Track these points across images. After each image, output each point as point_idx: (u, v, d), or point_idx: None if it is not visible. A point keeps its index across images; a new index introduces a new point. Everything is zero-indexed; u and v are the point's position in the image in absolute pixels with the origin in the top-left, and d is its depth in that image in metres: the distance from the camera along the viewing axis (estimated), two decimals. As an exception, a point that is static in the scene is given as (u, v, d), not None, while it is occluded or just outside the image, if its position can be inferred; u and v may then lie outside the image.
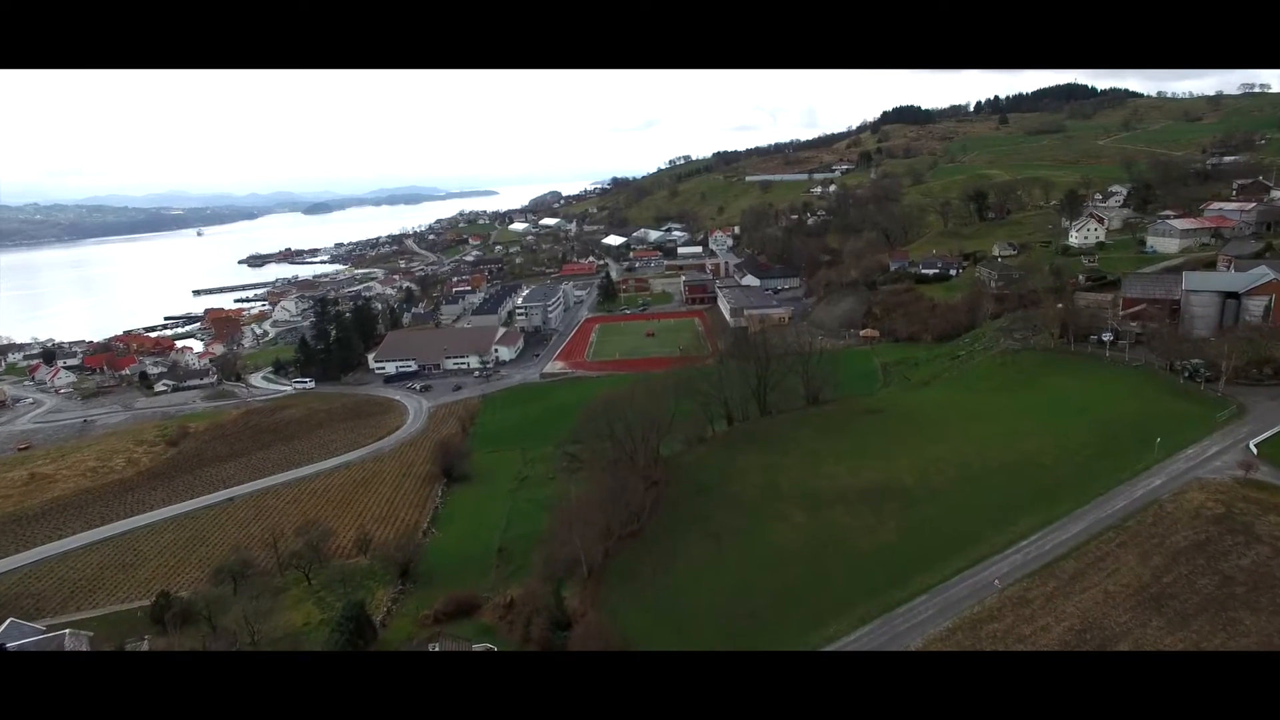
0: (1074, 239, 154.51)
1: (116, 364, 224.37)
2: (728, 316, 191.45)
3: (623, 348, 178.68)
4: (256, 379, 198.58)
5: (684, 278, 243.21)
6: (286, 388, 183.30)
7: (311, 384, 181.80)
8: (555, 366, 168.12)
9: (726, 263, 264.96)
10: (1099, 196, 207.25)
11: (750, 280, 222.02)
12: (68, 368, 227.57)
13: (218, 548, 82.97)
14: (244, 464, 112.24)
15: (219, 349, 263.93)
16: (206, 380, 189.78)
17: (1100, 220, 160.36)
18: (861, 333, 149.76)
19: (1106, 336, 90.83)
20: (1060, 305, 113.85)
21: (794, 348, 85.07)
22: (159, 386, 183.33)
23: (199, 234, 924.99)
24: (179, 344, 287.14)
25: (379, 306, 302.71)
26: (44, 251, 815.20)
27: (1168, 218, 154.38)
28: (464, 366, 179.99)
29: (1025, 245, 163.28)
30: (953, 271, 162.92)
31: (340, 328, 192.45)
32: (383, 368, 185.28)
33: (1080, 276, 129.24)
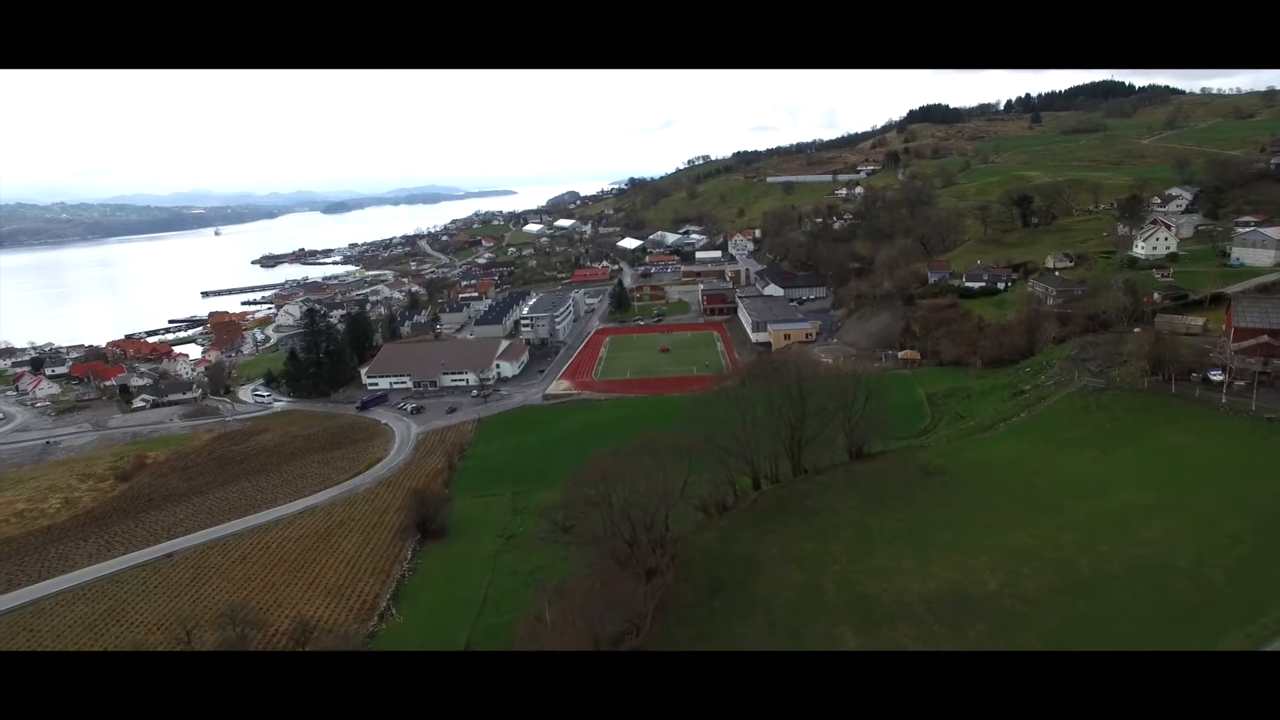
0: (1140, 249, 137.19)
1: (104, 373, 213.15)
2: (749, 331, 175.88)
3: (634, 365, 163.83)
4: (247, 392, 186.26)
5: (702, 286, 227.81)
6: (273, 404, 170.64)
7: (269, 401, 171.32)
8: (560, 386, 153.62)
9: (747, 269, 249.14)
10: (1157, 201, 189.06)
11: (773, 289, 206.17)
12: (53, 377, 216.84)
13: (133, 629, 69.24)
14: (199, 506, 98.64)
15: (215, 356, 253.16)
16: (189, 395, 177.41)
17: (1168, 228, 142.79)
18: (900, 354, 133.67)
19: (1215, 375, 74.53)
20: (1140, 331, 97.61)
21: (834, 387, 69.41)
22: (137, 402, 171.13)
23: (216, 233, 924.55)
24: (176, 350, 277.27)
25: (384, 311, 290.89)
26: (66, 250, 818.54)
27: (1249, 224, 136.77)
28: (463, 383, 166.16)
29: (1083, 256, 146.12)
30: (1001, 285, 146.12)
31: (330, 340, 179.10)
32: (375, 383, 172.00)
33: (1156, 295, 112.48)
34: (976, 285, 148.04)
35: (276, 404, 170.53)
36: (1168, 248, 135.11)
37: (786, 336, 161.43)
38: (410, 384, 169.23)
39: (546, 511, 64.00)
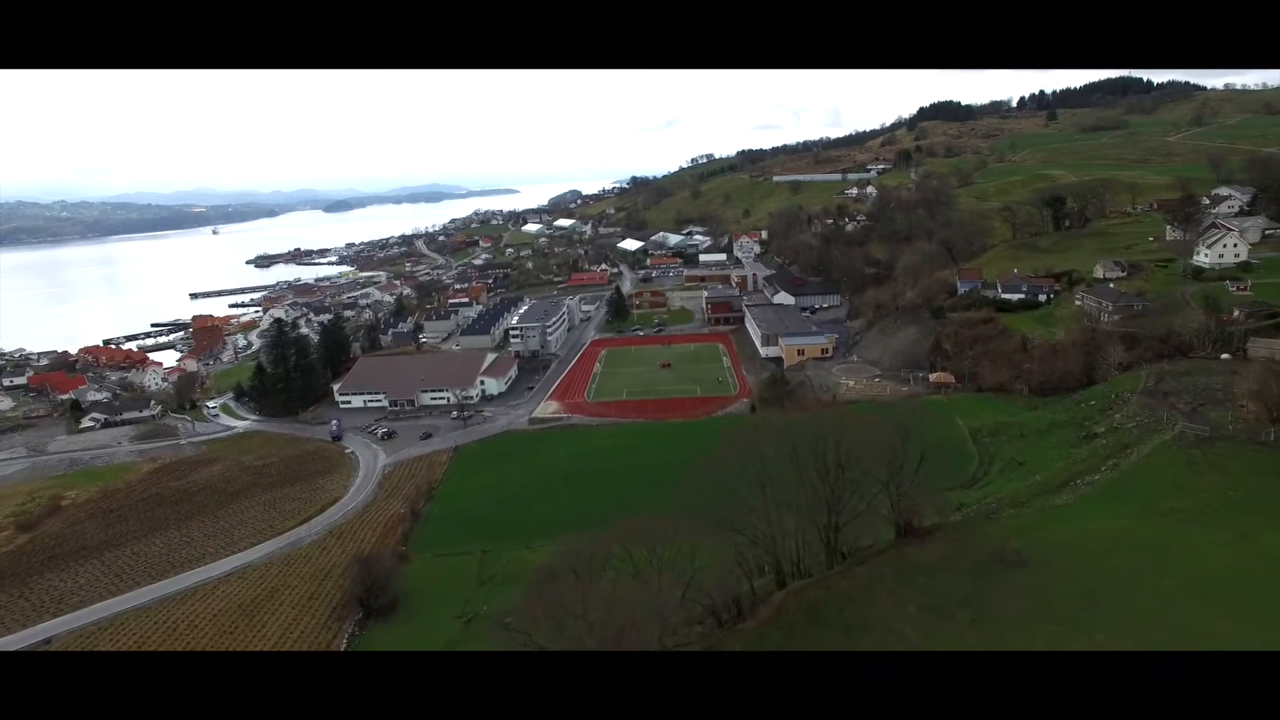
0: (1204, 258, 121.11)
1: (62, 385, 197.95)
2: (758, 344, 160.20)
3: (632, 383, 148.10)
4: (216, 407, 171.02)
5: (706, 293, 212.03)
6: (235, 424, 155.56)
7: (215, 412, 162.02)
8: (548, 408, 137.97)
9: (754, 274, 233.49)
10: (1206, 201, 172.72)
11: (783, 297, 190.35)
12: (9, 388, 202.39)
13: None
14: (109, 565, 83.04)
15: (191, 365, 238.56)
16: (146, 413, 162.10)
17: (1234, 232, 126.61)
18: (932, 377, 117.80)
19: (1362, 427, 58.73)
20: (1232, 358, 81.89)
21: (878, 446, 53.41)
22: (87, 421, 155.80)
23: (214, 232, 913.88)
24: (153, 357, 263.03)
25: (370, 316, 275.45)
26: (65, 249, 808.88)
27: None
28: (444, 402, 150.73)
29: (1136, 265, 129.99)
30: (1043, 297, 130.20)
31: (301, 352, 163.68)
32: (348, 401, 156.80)
33: (1237, 312, 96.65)
34: (1015, 297, 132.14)
35: (239, 424, 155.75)
36: (1237, 256, 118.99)
37: (800, 352, 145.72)
38: (386, 403, 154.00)
39: (499, 619, 48.38)
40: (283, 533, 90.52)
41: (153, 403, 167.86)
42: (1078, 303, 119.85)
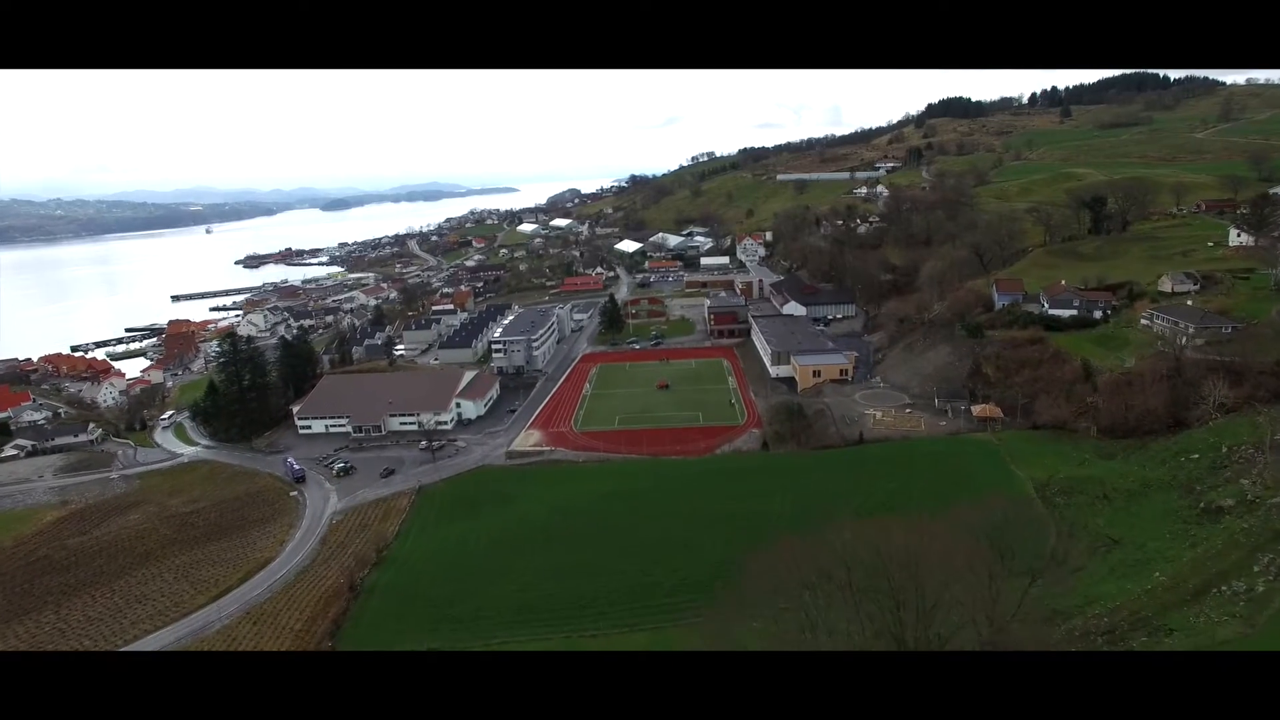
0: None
1: (1, 402, 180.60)
2: (767, 362, 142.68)
3: (626, 408, 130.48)
4: (165, 430, 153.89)
5: (709, 302, 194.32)
6: (182, 451, 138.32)
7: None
8: (529, 439, 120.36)
9: (760, 280, 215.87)
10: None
11: (793, 307, 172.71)
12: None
13: None
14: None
15: (157, 375, 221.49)
16: (82, 438, 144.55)
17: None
18: (975, 410, 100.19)
19: None
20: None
21: (973, 573, 35.93)
22: (9, 449, 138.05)
23: (208, 231, 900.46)
24: (119, 365, 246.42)
25: (351, 323, 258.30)
26: (58, 248, 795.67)
27: None
28: (415, 426, 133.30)
29: (1210, 276, 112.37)
30: (1098, 314, 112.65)
31: (256, 371, 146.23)
32: (308, 427, 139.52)
33: (1360, 340, 79.29)
34: (1065, 314, 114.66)
35: (186, 451, 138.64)
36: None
37: (816, 373, 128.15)
38: (350, 428, 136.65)
39: None
40: (189, 613, 72.96)
41: (91, 426, 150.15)
42: (1145, 322, 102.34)
